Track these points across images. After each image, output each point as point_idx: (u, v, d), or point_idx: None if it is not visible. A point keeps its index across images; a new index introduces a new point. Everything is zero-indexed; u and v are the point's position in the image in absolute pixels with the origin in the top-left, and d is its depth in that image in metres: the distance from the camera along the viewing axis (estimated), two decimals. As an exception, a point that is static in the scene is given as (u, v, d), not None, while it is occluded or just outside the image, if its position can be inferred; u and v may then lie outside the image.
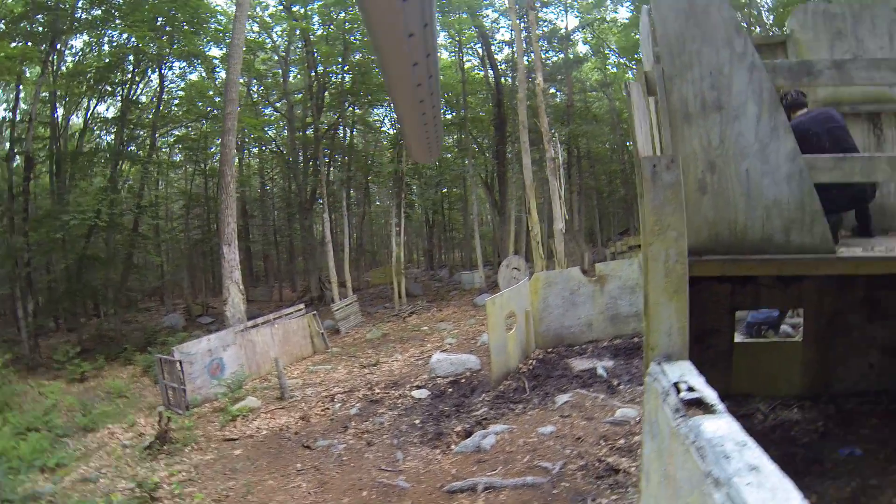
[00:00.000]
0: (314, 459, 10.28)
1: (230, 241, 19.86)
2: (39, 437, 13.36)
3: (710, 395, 2.27)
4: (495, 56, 36.36)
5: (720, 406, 2.18)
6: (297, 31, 33.45)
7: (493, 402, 11.08)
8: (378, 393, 13.70)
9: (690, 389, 2.32)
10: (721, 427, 1.94)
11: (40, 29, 26.26)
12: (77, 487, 10.81)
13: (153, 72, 33.09)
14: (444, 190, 46.47)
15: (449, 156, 42.87)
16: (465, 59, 37.92)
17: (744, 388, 9.11)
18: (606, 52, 39.84)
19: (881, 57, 6.95)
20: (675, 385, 2.39)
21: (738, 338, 12.25)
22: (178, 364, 15.68)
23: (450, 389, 12.85)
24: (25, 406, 17.52)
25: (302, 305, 22.62)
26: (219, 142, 30.28)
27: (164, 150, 38.37)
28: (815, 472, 6.41)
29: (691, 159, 5.82)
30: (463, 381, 13.26)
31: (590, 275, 14.44)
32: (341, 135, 39.21)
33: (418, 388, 13.42)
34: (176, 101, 35.09)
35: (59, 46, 28.38)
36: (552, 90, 37.11)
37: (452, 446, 9.33)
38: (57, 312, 33.92)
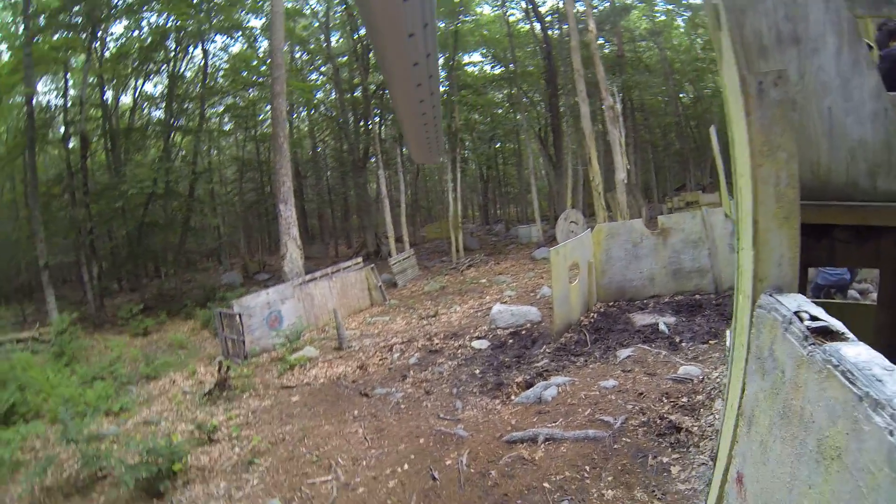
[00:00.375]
0: (371, 407, 10.32)
1: (286, 199, 20.03)
2: (105, 385, 13.85)
3: (838, 323, 2.05)
4: (539, 8, 35.44)
5: (850, 335, 1.96)
6: None
7: (554, 354, 10.91)
8: (437, 343, 13.67)
9: (814, 318, 2.09)
10: (862, 352, 1.75)
11: (79, 19, 26.78)
12: (139, 429, 11.17)
13: (195, 48, 33.66)
14: (498, 145, 45.98)
15: (500, 111, 42.26)
16: (509, 14, 36.98)
17: None
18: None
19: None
20: (797, 314, 2.16)
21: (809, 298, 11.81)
22: (237, 317, 15.99)
23: (510, 341, 12.70)
24: (92, 359, 18.21)
25: (359, 259, 22.75)
26: (267, 108, 30.62)
27: (213, 120, 39.08)
28: None
29: None
30: (524, 332, 13.10)
31: (652, 228, 14.04)
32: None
33: (478, 338, 13.34)
34: (221, 73, 35.74)
35: (99, 33, 29.08)
36: (600, 41, 36.17)
37: (512, 397, 9.21)
38: (120, 275, 35.56)
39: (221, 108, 38.38)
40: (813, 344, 1.90)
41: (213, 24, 30.77)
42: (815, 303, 8.29)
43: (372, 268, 21.97)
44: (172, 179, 29.49)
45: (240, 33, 33.00)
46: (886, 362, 1.67)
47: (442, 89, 35.88)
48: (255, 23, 33.31)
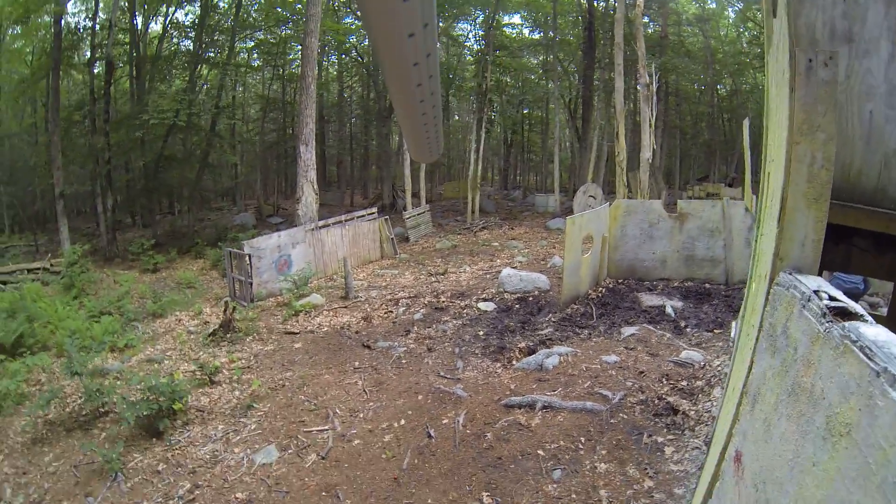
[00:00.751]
0: (373, 359, 10.39)
1: (308, 141, 19.88)
2: (111, 320, 14.03)
3: (856, 305, 2.01)
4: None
5: (868, 317, 1.93)
6: None
7: (559, 324, 10.91)
8: (444, 301, 13.69)
9: (833, 299, 2.06)
10: (881, 333, 1.72)
11: None
12: (142, 366, 11.31)
13: None
14: (526, 111, 45.53)
15: (532, 76, 41.74)
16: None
17: None
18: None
19: None
20: (816, 293, 2.13)
21: None
22: (246, 258, 16.01)
23: (517, 305, 12.71)
24: (101, 292, 18.42)
25: (374, 210, 22.68)
26: (298, 48, 30.10)
27: (242, 55, 38.37)
28: None
29: None
30: (531, 299, 13.10)
31: (670, 211, 13.92)
32: (428, 45, 38.67)
33: (485, 300, 13.35)
34: (255, 7, 35.01)
35: None
36: (645, 19, 35.51)
37: (514, 362, 9.25)
38: (134, 209, 35.71)
39: (252, 44, 37.73)
40: (831, 321, 1.87)
41: None
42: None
43: (386, 219, 21.94)
44: (195, 112, 29.30)
45: None
46: None
47: (477, 47, 35.64)
48: None
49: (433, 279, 16.89)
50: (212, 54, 33.79)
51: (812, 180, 2.63)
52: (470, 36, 40.46)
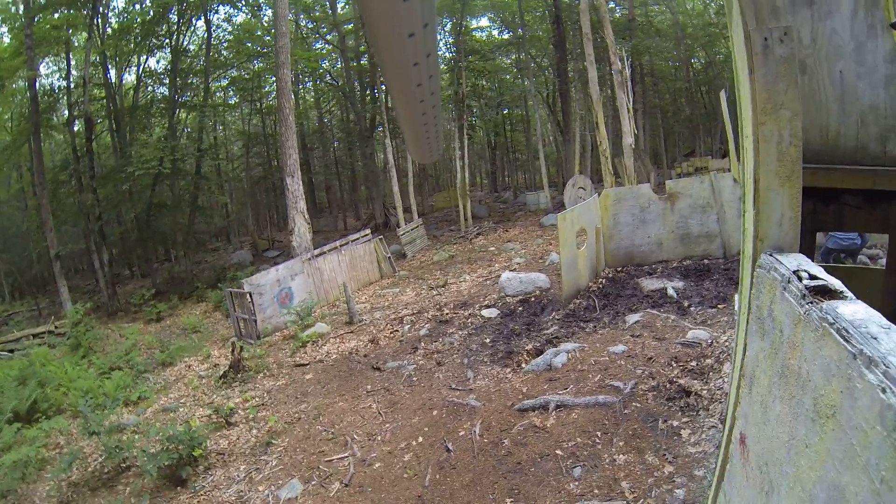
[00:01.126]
0: (384, 381, 10.42)
1: (293, 172, 19.95)
2: (122, 375, 14.08)
3: (836, 281, 2.03)
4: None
5: (849, 293, 1.95)
6: None
7: (563, 321, 10.93)
8: (447, 313, 13.70)
9: (812, 278, 2.08)
10: (859, 311, 1.75)
11: None
12: (158, 417, 11.35)
13: (198, 19, 33.16)
14: (506, 111, 45.62)
15: (507, 76, 41.82)
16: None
17: None
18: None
19: None
20: (796, 273, 2.15)
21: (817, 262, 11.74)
22: (248, 296, 16.07)
23: (519, 308, 12.73)
24: (108, 348, 18.49)
25: (367, 231, 22.74)
26: (272, 80, 30.27)
27: (218, 94, 38.67)
28: None
29: None
30: (532, 299, 13.12)
31: (659, 193, 13.94)
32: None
33: (488, 307, 13.36)
34: (225, 45, 35.23)
35: (101, 9, 28.74)
36: (611, 4, 35.54)
37: (523, 365, 9.26)
38: (130, 260, 35.88)
39: (226, 82, 38.00)
40: (810, 302, 1.89)
41: None
42: (823, 266, 8.28)
43: (380, 239, 21.95)
44: (178, 157, 29.41)
45: (243, 2, 32.44)
46: (883, 320, 1.66)
47: (449, 55, 35.76)
48: None
49: (434, 292, 16.90)
50: (188, 98, 33.93)
51: (782, 158, 2.65)
52: (441, 45, 40.63)
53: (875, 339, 1.52)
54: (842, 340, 1.58)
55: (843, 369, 1.55)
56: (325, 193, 48.67)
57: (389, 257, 21.81)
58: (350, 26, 36.75)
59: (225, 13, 33.96)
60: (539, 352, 9.53)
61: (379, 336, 13.34)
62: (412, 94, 2.05)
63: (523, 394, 8.10)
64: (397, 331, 13.48)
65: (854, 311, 1.70)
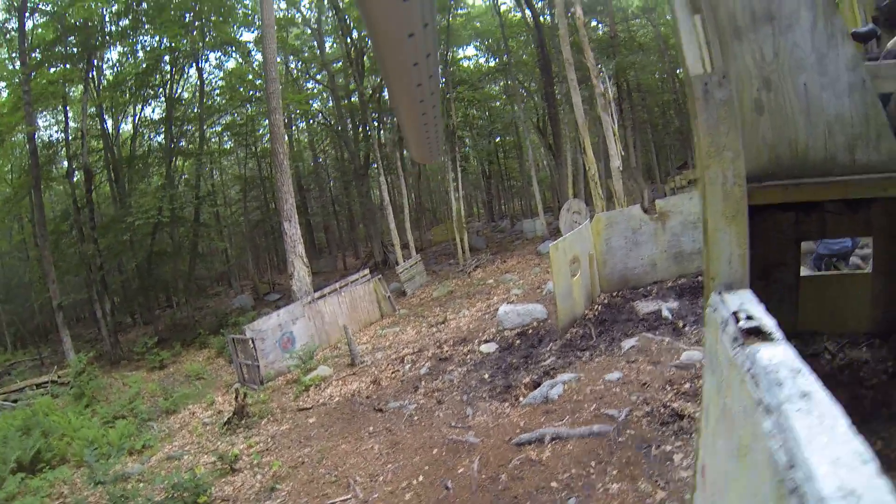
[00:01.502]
0: (386, 421, 10.43)
1: (290, 217, 20.15)
2: (126, 424, 14.12)
3: (769, 322, 2.13)
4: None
5: (778, 334, 2.05)
6: (326, 1, 33.12)
7: (560, 351, 10.94)
8: (447, 350, 13.73)
9: (749, 318, 2.16)
10: (777, 354, 1.83)
11: (75, 50, 27.09)
12: (163, 465, 11.39)
13: (190, 67, 33.83)
14: (498, 139, 45.89)
15: (497, 104, 42.15)
16: (500, 2, 36.83)
17: (811, 324, 8.80)
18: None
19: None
20: (735, 314, 2.24)
21: (806, 271, 11.80)
22: (250, 342, 16.15)
23: (517, 341, 12.73)
24: (111, 397, 18.54)
25: (367, 271, 22.83)
26: (266, 122, 30.71)
27: (213, 140, 39.19)
28: (883, 416, 6.17)
29: (745, 77, 5.54)
30: (530, 331, 13.13)
31: (650, 212, 14.01)
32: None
33: (486, 342, 13.38)
34: (218, 91, 35.80)
35: (95, 62, 29.41)
36: (594, 23, 35.91)
37: (521, 398, 9.27)
38: (132, 308, 36.04)
39: (220, 128, 38.62)
40: (740, 345, 1.97)
41: (207, 41, 31.16)
42: (813, 276, 8.39)
43: (379, 279, 22.05)
44: (177, 206, 29.78)
45: (233, 48, 33.21)
46: (797, 364, 1.74)
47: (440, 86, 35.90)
48: (248, 36, 33.61)
49: (434, 329, 16.92)
50: (184, 145, 34.40)
51: (727, 199, 2.76)
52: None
53: (780, 384, 1.60)
54: (752, 386, 1.67)
55: (750, 414, 1.64)
56: (323, 234, 48.87)
57: (389, 296, 21.88)
58: (339, 65, 37.20)
59: (216, 59, 34.59)
60: (536, 384, 9.54)
61: (381, 377, 13.37)
62: (412, 94, 2.13)
63: (521, 428, 8.11)
64: (398, 370, 13.51)
65: (771, 355, 1.78)
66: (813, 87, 5.35)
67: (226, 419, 13.18)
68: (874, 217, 8.31)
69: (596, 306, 13.06)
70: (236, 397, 13.43)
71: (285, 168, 20.66)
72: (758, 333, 2.03)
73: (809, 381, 1.62)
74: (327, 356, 16.92)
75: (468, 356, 12.84)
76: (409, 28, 1.60)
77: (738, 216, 2.74)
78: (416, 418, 10.15)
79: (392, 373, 13.50)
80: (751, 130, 5.62)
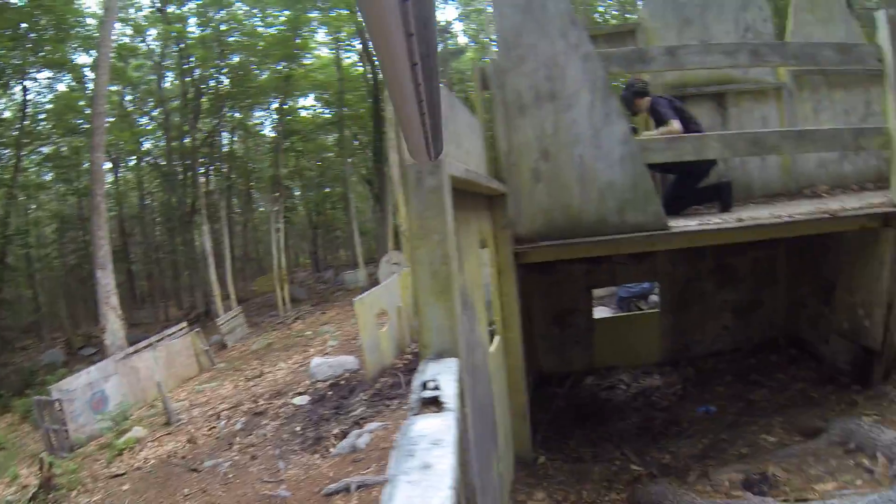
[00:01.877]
0: (201, 482, 10.24)
1: (104, 265, 19.18)
2: None
3: (448, 392, 2.47)
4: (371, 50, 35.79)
5: (451, 404, 2.37)
6: (173, 34, 31.88)
7: (370, 401, 11.28)
8: (262, 404, 13.63)
9: (435, 388, 2.52)
10: (431, 425, 2.11)
11: None
12: (-41, 560, 10.39)
13: (17, 83, 30.18)
14: (327, 189, 45.76)
15: (330, 154, 42.25)
16: (346, 56, 37.36)
17: (608, 360, 9.70)
18: (486, 40, 40.01)
19: (727, 42, 7.72)
20: (424, 384, 2.58)
21: (610, 313, 12.94)
22: (56, 404, 14.99)
23: (329, 392, 12.94)
24: None
25: (184, 324, 21.98)
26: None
27: (31, 169, 35.70)
28: (672, 433, 7.00)
29: (525, 149, 6.28)
30: (343, 382, 13.37)
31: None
32: (223, 141, 37.96)
33: (300, 394, 13.43)
34: (43, 116, 32.65)
35: None
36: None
37: (331, 449, 9.53)
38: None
39: (40, 157, 35.04)
40: (414, 414, 2.32)
41: (39, 57, 28.26)
42: (606, 318, 9.50)
43: (198, 332, 21.30)
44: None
45: (66, 72, 30.44)
46: (442, 436, 2.04)
47: (273, 135, 35.41)
48: (86, 58, 30.49)
49: (251, 383, 16.64)
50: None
51: (435, 276, 3.08)
52: (266, 123, 40.34)
53: (411, 455, 1.93)
54: (395, 456, 1.99)
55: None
56: (146, 283, 46.03)
57: (207, 350, 21.19)
58: (176, 103, 35.57)
59: (46, 80, 31.45)
60: (345, 434, 9.82)
61: (196, 434, 13.03)
62: (411, 93, 2.09)
63: (330, 478, 8.35)
64: (214, 427, 13.23)
65: (425, 426, 2.12)
66: (588, 158, 6.22)
67: (31, 494, 12.19)
68: (658, 265, 9.66)
69: (406, 355, 13.56)
70: (41, 469, 12.48)
71: (102, 210, 19.60)
72: (435, 403, 2.38)
73: (439, 452, 1.91)
74: (143, 416, 16.10)
75: (281, 409, 12.82)
76: (409, 28, 1.57)
77: (445, 292, 3.08)
78: (230, 476, 10.05)
79: (208, 430, 13.19)
80: (528, 196, 6.35)
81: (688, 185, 7.15)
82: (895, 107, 5.97)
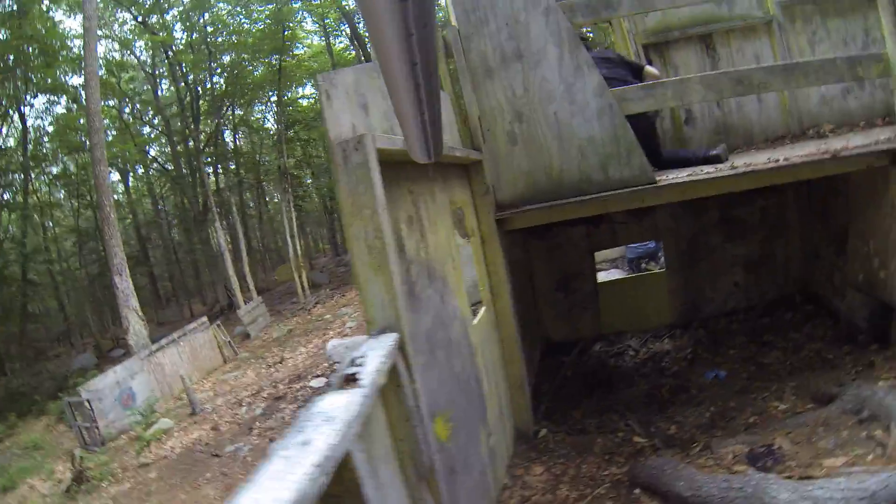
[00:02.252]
0: (222, 466, 10.59)
1: (120, 270, 19.52)
2: (-43, 515, 13.19)
3: (370, 370, 2.49)
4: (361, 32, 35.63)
5: (367, 380, 2.40)
6: (159, 44, 31.96)
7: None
8: (282, 389, 13.92)
9: (360, 364, 2.55)
10: (334, 402, 2.12)
11: None
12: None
13: (14, 111, 30.98)
14: (338, 175, 45.56)
15: (335, 140, 42.02)
16: (337, 42, 37.30)
17: (616, 325, 9.27)
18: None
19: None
20: (353, 360, 2.62)
21: (622, 274, 12.65)
22: (86, 403, 15.48)
23: (346, 373, 13.05)
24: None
25: (204, 319, 22.35)
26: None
27: (43, 189, 36.43)
28: (680, 401, 6.70)
29: (497, 113, 5.99)
30: (358, 363, 13.47)
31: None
32: (228, 139, 38.19)
33: (317, 377, 13.68)
34: (46, 139, 33.37)
35: None
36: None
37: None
38: (-41, 383, 32.39)
39: (50, 178, 35.80)
40: (335, 390, 2.36)
41: (32, 84, 28.84)
42: (611, 281, 9.26)
43: (218, 325, 21.84)
44: (0, 264, 27.64)
45: (59, 93, 30.72)
46: (337, 413, 2.05)
47: (276, 127, 35.41)
48: (77, 79, 30.24)
49: (272, 370, 17.03)
50: (8, 197, 31.71)
51: (371, 251, 3.04)
52: (268, 116, 40.37)
53: (300, 432, 1.92)
54: (292, 431, 1.99)
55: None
56: (169, 283, 46.69)
57: (229, 341, 21.68)
58: (175, 109, 35.80)
59: (43, 104, 31.96)
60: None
61: (220, 422, 13.39)
62: (411, 94, 2.12)
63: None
64: (237, 414, 13.54)
65: (326, 404, 2.12)
66: (563, 114, 5.96)
67: (65, 488, 12.68)
68: (659, 222, 9.17)
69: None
70: (73, 462, 12.96)
71: (112, 221, 19.97)
72: (354, 380, 2.42)
73: (329, 429, 1.91)
74: (170, 408, 16.59)
75: (300, 392, 13.09)
76: (409, 28, 1.59)
77: (381, 267, 3.03)
78: (250, 459, 10.40)
79: (231, 417, 13.54)
80: (506, 161, 6.13)
81: (645, 146, 6.75)
82: (892, 29, 5.35)
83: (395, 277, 3.13)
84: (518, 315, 6.47)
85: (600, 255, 14.10)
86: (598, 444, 5.93)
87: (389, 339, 2.97)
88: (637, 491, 4.68)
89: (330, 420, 1.99)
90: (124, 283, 19.43)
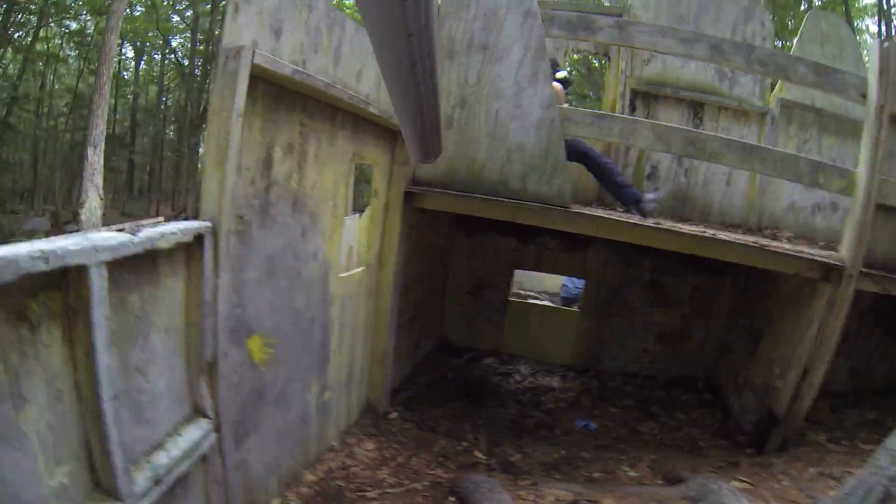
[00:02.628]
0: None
1: (96, 143, 19.20)
2: None
3: (149, 232, 2.58)
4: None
5: (141, 234, 2.67)
6: None
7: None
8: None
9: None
10: (106, 234, 2.41)
11: None
12: None
13: None
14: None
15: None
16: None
17: (515, 348, 9.20)
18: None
19: (685, 29, 6.98)
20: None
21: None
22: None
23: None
24: None
25: (161, 219, 22.04)
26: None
27: (55, 41, 35.46)
28: (539, 436, 6.68)
29: (444, 94, 5.87)
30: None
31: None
32: (250, 49, 37.54)
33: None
34: None
35: None
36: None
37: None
38: None
39: (67, 32, 34.81)
40: None
41: None
42: (521, 302, 9.46)
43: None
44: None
45: None
46: (97, 239, 2.25)
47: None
48: None
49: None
50: (22, 35, 30.65)
51: (218, 149, 3.16)
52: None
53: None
54: None
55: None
56: (147, 176, 45.94)
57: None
58: (208, 7, 35.02)
59: None
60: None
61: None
62: (411, 94, 2.14)
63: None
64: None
65: (98, 235, 2.32)
66: (504, 115, 5.93)
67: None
68: (589, 262, 9.05)
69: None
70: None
71: (104, 92, 19.54)
72: (133, 233, 2.52)
73: (73, 240, 2.07)
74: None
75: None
76: (409, 28, 1.59)
77: (220, 163, 3.16)
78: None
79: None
80: None
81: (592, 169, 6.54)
82: (869, 152, 5.18)
83: (230, 176, 3.23)
84: (403, 293, 6.48)
85: (540, 285, 13.88)
86: (440, 445, 5.91)
87: (200, 225, 3.03)
88: (452, 499, 4.70)
89: (85, 239, 2.15)
90: (95, 158, 19.14)
